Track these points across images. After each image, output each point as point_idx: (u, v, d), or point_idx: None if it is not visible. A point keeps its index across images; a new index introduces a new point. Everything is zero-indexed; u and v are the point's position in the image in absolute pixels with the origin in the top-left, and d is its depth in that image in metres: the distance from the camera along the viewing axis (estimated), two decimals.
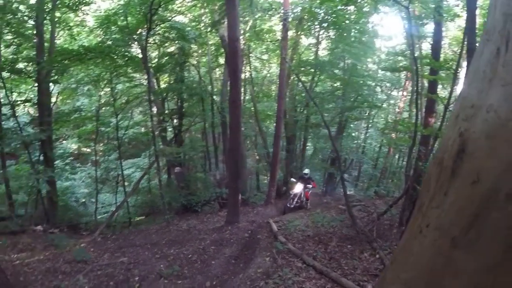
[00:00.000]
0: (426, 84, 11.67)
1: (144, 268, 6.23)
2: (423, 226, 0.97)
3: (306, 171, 12.90)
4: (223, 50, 14.65)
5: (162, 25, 13.20)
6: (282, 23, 13.73)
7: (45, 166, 11.82)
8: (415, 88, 8.85)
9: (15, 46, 12.23)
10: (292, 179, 13.32)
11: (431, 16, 9.90)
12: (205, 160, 17.16)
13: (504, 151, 0.71)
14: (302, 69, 16.10)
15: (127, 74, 14.14)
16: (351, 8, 13.56)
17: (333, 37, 15.50)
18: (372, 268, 5.45)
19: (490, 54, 0.86)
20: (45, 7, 11.55)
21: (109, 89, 14.38)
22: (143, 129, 18.78)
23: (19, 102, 13.26)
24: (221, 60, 17.17)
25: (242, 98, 17.95)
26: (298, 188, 12.07)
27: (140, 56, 13.15)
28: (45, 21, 11.97)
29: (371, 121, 20.95)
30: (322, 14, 13.77)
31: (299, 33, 15.80)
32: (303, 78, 16.30)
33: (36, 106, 13.52)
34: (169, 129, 16.70)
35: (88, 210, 15.80)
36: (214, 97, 16.27)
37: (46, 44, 12.30)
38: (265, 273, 5.57)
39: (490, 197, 0.72)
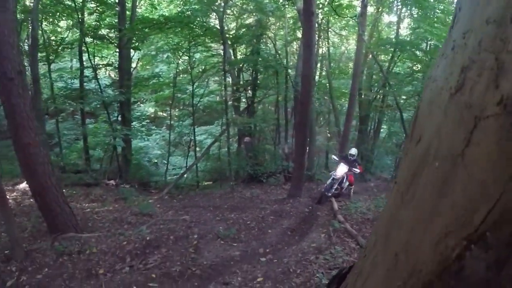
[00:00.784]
0: None
1: (204, 227, 6.55)
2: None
3: (353, 151, 10.52)
4: (300, 24, 14.43)
5: None
6: None
7: (123, 126, 12.65)
8: None
9: (97, 14, 13.02)
10: (334, 157, 10.60)
11: None
12: (275, 133, 17.28)
13: (436, 116, 0.71)
14: (381, 47, 15.37)
15: (205, 44, 14.43)
16: None
17: (416, 16, 14.56)
18: None
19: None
20: None
21: (187, 57, 14.84)
22: (217, 98, 19.26)
23: (101, 66, 14.26)
24: (299, 34, 16.91)
25: (317, 73, 17.71)
26: (341, 170, 9.76)
27: (218, 26, 13.41)
28: None
29: None
30: None
31: (379, 9, 15.02)
32: (382, 57, 15.61)
33: (117, 70, 14.45)
34: (243, 100, 16.96)
35: (159, 171, 16.81)
36: (289, 70, 16.15)
37: (127, 12, 12.99)
38: (318, 248, 5.61)
39: (425, 155, 0.72)
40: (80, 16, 12.32)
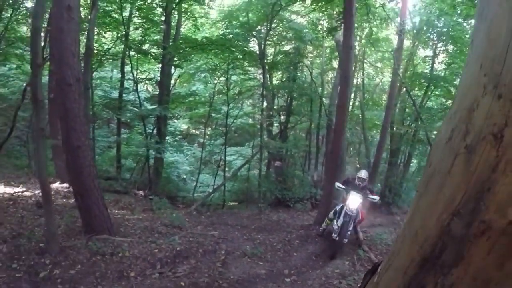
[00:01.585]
0: None
1: (231, 244, 6.64)
2: None
3: (363, 173, 7.69)
4: (337, 54, 14.64)
5: (280, 25, 13.62)
6: (397, 33, 13.30)
7: (157, 139, 13.02)
8: None
9: (143, 29, 13.63)
10: (338, 185, 7.62)
11: None
12: (305, 159, 17.34)
13: (439, 151, 1.16)
14: (416, 82, 15.34)
15: (243, 67, 14.78)
16: (472, 22, 12.61)
17: (451, 51, 14.54)
18: None
19: None
20: None
21: (224, 78, 15.25)
22: (250, 120, 19.54)
23: (141, 79, 14.83)
24: (335, 64, 17.14)
25: (351, 103, 17.76)
26: (354, 201, 7.11)
27: (257, 51, 13.78)
28: (172, 10, 13.20)
29: None
30: (440, 27, 13.05)
31: (415, 44, 15.07)
32: (416, 91, 15.54)
33: (154, 84, 14.99)
34: (276, 124, 17.19)
35: (187, 186, 17.06)
36: (323, 99, 16.31)
37: (172, 31, 13.56)
38: (341, 274, 5.65)
39: (432, 173, 1.16)
40: (126, 30, 12.92)
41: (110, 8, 12.50)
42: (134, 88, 14.11)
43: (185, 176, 17.85)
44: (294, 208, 13.36)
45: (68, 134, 5.09)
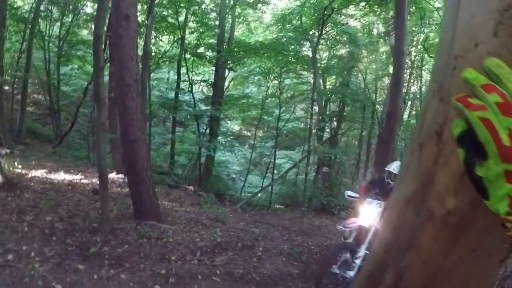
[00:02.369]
0: None
1: (270, 243, 6.86)
2: None
3: (394, 166, 5.39)
4: (392, 59, 14.40)
5: (334, 29, 13.65)
6: None
7: (210, 139, 13.55)
8: None
9: (198, 33, 14.23)
10: (350, 194, 5.37)
11: None
12: (355, 167, 17.16)
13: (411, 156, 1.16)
14: None
15: (296, 71, 14.98)
16: None
17: None
18: None
19: None
20: (227, 2, 13.24)
21: (277, 82, 15.51)
22: (302, 125, 19.64)
23: (196, 81, 15.49)
24: (390, 69, 16.80)
25: (407, 112, 17.32)
26: (369, 215, 4.65)
27: (310, 55, 13.90)
28: (226, 15, 13.68)
29: None
30: None
31: None
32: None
33: (209, 86, 15.58)
34: (327, 130, 17.16)
35: (235, 186, 17.51)
36: (377, 106, 16.07)
37: (226, 34, 14.05)
38: None
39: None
40: (181, 34, 13.56)
41: (166, 13, 13.23)
42: (189, 89, 14.81)
43: (234, 176, 18.29)
44: (338, 215, 13.26)
45: (126, 128, 5.64)
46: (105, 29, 11.61)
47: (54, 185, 7.37)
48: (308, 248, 7.36)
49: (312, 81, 15.20)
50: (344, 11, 13.84)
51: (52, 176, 8.32)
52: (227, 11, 13.45)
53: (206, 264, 4.99)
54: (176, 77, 15.06)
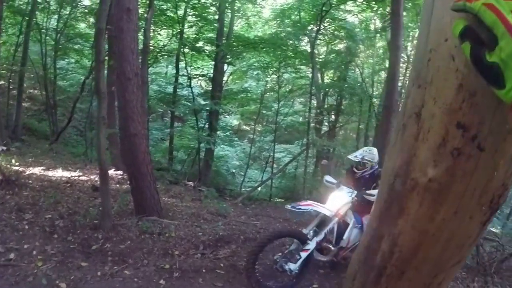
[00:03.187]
0: None
1: None
2: None
3: (359, 154, 4.87)
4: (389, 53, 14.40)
5: (333, 24, 13.62)
6: None
7: (209, 133, 13.50)
8: None
9: (197, 27, 14.14)
10: (328, 179, 4.78)
11: None
12: None
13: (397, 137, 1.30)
14: None
15: (294, 65, 14.91)
16: None
17: None
18: None
19: None
20: None
21: (275, 76, 15.46)
22: (300, 119, 19.62)
23: (195, 76, 15.39)
24: (387, 64, 16.78)
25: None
26: (335, 202, 4.36)
27: (309, 50, 13.86)
28: (225, 9, 13.57)
29: None
30: None
31: None
32: None
33: (207, 80, 15.49)
34: (325, 123, 17.17)
35: (235, 180, 17.47)
36: (374, 99, 16.08)
37: (225, 29, 13.95)
38: None
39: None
40: (180, 28, 13.46)
41: (165, 7, 13.13)
42: (188, 83, 14.74)
43: (234, 170, 18.27)
44: None
45: (126, 122, 5.57)
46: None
47: (52, 182, 7.31)
48: None
49: (310, 75, 15.17)
50: (342, 6, 13.84)
51: (50, 173, 8.26)
52: (227, 5, 13.38)
53: (209, 258, 4.97)
54: (174, 71, 14.95)
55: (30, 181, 6.89)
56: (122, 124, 5.75)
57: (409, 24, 13.50)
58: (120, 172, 9.55)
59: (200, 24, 13.83)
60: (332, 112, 16.87)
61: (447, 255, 1.20)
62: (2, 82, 15.81)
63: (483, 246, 7.03)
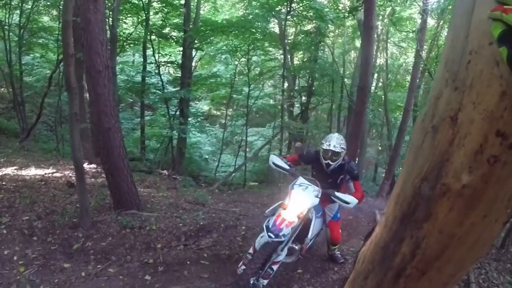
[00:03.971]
0: None
1: (252, 221, 6.92)
2: None
3: (334, 141, 4.12)
4: (359, 33, 14.49)
5: (301, 4, 13.53)
6: (420, 13, 13.01)
7: (180, 121, 13.36)
8: None
9: (163, 14, 13.77)
10: (274, 161, 4.18)
11: None
12: None
13: (417, 130, 1.35)
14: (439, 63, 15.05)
15: (264, 48, 14.81)
16: None
17: None
18: None
19: None
20: None
21: (245, 59, 15.35)
22: (271, 101, 19.69)
23: (163, 63, 15.11)
24: (357, 43, 16.96)
25: (374, 84, 17.61)
26: (297, 206, 3.68)
27: (278, 32, 13.79)
28: None
29: None
30: None
31: (440, 24, 14.69)
32: None
33: (178, 68, 15.24)
34: (297, 105, 17.27)
35: (209, 166, 17.49)
36: (345, 79, 16.25)
37: (191, 14, 13.67)
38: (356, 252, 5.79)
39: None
40: (146, 15, 13.10)
41: None
42: (156, 71, 14.45)
43: (207, 156, 18.25)
44: None
45: (99, 117, 5.42)
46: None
47: (26, 182, 7.09)
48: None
49: (279, 57, 15.17)
50: None
51: (23, 172, 8.00)
52: None
53: (192, 249, 5.00)
54: (141, 59, 14.60)
55: (3, 183, 6.66)
56: (95, 119, 5.59)
57: (379, 2, 13.54)
58: (93, 165, 9.37)
59: (166, 10, 13.46)
60: (304, 94, 16.95)
61: (470, 255, 1.23)
62: None
63: None
